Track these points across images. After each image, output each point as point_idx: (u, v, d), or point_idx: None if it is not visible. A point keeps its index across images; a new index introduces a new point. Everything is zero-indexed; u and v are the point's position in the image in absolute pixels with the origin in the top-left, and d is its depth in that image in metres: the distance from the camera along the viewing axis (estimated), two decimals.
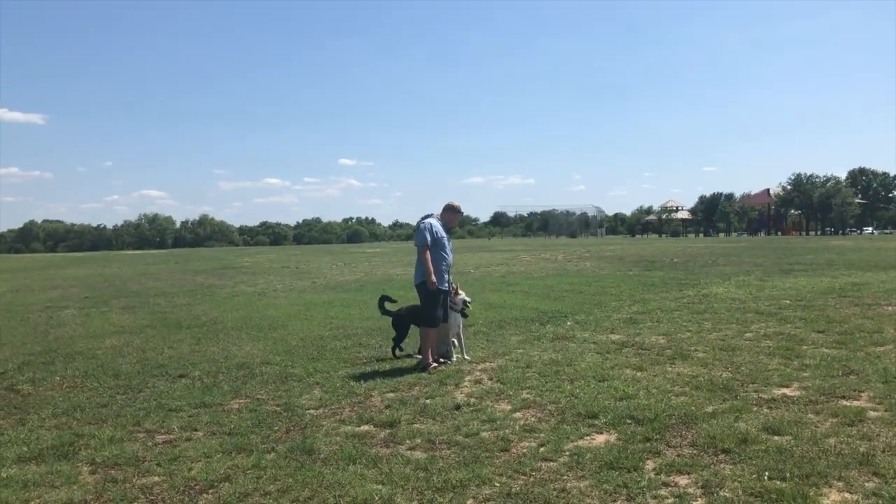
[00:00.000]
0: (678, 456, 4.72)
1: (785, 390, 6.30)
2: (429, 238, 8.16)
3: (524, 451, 4.99)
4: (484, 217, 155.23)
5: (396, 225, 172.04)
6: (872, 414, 5.46)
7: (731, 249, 34.34)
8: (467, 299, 8.70)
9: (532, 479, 4.45)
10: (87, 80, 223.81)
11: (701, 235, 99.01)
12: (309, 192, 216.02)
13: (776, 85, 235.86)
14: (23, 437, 5.73)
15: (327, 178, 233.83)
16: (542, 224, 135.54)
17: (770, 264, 22.73)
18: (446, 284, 8.33)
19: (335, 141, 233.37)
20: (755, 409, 5.73)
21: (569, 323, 11.08)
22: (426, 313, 8.19)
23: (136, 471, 4.89)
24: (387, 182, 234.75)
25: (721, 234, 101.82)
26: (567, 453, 4.89)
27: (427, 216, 8.53)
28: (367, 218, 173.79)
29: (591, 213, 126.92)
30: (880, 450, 4.62)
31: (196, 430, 5.89)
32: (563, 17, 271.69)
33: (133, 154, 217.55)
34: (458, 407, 6.22)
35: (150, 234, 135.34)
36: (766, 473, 4.28)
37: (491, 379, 7.31)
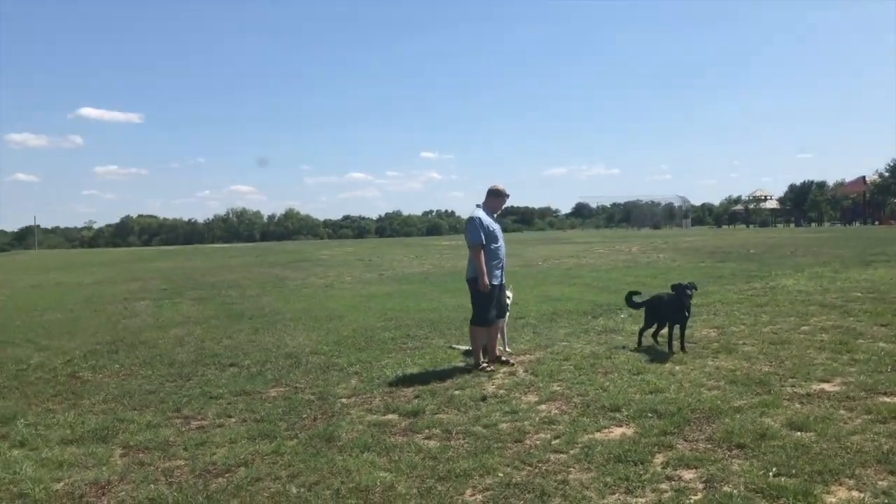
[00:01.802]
0: (691, 450, 4.63)
1: (824, 385, 6.06)
2: (482, 236, 7.63)
3: (537, 442, 5.00)
4: (565, 209, 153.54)
5: None
6: None
7: (815, 240, 32.92)
8: (509, 295, 8.45)
9: (537, 470, 4.46)
10: (184, 79, 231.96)
11: (792, 225, 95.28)
12: (391, 186, 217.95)
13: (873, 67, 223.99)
14: (70, 421, 6.09)
15: (409, 171, 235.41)
16: (625, 215, 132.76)
17: (851, 255, 21.71)
18: (497, 280, 7.84)
19: (417, 134, 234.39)
20: (786, 403, 5.55)
21: (622, 315, 10.91)
22: (476, 312, 7.77)
23: (162, 454, 5.14)
24: (468, 175, 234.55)
25: (813, 224, 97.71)
26: (579, 446, 4.86)
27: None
28: (446, 211, 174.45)
29: (676, 204, 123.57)
30: None
31: (230, 416, 6.13)
32: (654, 8, 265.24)
33: (224, 150, 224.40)
34: (484, 398, 6.25)
35: (239, 227, 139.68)
36: (774, 469, 4.16)
37: (526, 371, 7.30)
